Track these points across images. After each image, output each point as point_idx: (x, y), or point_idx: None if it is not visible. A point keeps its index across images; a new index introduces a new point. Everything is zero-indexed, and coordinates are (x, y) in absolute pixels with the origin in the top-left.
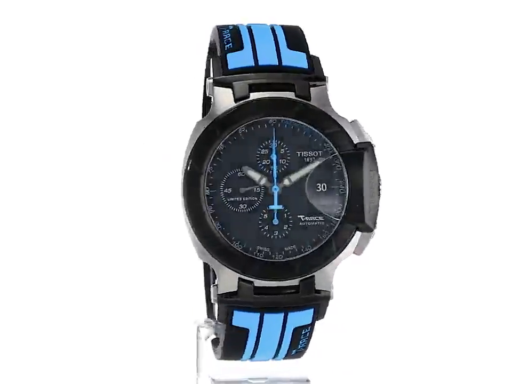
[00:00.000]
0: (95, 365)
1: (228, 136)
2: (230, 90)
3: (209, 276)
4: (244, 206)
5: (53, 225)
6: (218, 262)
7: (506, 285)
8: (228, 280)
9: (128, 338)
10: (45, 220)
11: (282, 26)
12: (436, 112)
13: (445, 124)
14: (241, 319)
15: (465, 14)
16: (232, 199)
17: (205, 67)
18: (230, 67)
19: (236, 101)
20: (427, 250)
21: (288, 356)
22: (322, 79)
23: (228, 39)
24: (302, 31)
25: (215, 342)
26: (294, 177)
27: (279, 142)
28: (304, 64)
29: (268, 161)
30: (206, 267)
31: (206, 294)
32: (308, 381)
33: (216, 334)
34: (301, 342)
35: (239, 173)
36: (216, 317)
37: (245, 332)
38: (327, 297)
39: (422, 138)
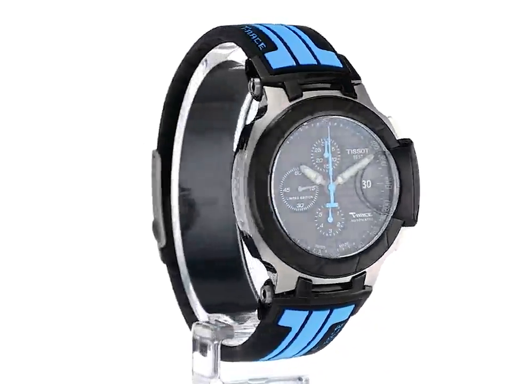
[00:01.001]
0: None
1: (287, 136)
2: (282, 90)
3: (179, 281)
4: (301, 205)
5: (48, 224)
6: (281, 261)
7: None
8: (288, 279)
9: (123, 343)
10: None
11: (296, 26)
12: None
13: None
14: (289, 318)
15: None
16: (290, 198)
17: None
18: (274, 67)
19: (290, 100)
20: (431, 249)
21: (308, 352)
22: (359, 77)
23: (257, 38)
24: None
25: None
26: (346, 174)
27: (331, 140)
28: (338, 63)
29: (321, 160)
30: (174, 271)
31: (178, 300)
32: (306, 380)
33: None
34: (328, 339)
35: (295, 172)
36: (261, 318)
37: (287, 330)
38: (369, 292)
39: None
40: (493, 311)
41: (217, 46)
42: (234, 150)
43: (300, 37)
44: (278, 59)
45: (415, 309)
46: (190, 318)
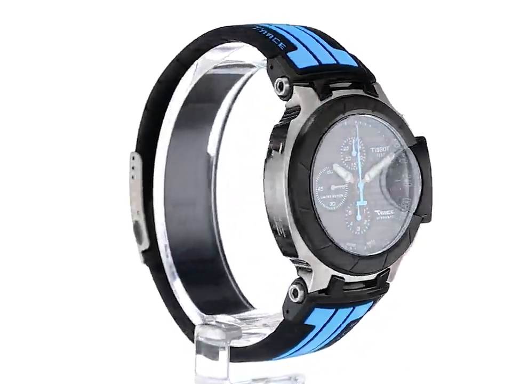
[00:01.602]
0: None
1: (322, 135)
2: (311, 89)
3: (166, 283)
4: (334, 203)
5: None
6: (317, 259)
7: None
8: (322, 277)
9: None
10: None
11: (302, 26)
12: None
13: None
14: (316, 316)
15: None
16: (324, 196)
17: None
18: (299, 66)
19: (321, 100)
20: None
21: (319, 349)
22: (374, 76)
23: (275, 38)
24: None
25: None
26: (373, 173)
27: (358, 138)
28: (354, 62)
29: (349, 158)
30: (159, 274)
31: (166, 302)
32: (303, 379)
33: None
34: (342, 335)
35: (328, 171)
36: (288, 317)
37: (310, 329)
38: (387, 289)
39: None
40: (490, 309)
41: (214, 48)
42: (267, 151)
43: (311, 36)
44: (301, 59)
45: (409, 306)
46: (181, 319)
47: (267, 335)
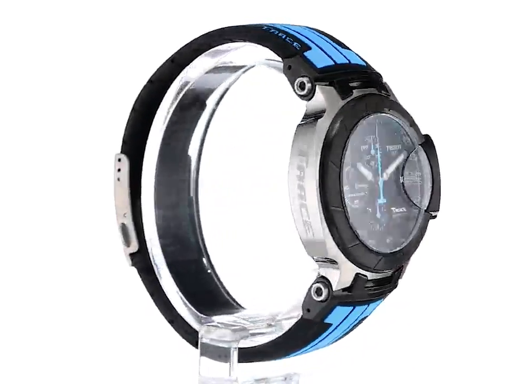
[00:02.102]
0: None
1: (348, 133)
2: (333, 88)
3: (157, 285)
4: (357, 201)
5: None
6: (345, 258)
7: None
8: (347, 275)
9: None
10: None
11: (305, 26)
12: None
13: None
14: (335, 314)
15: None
16: (350, 195)
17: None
18: (318, 66)
19: (342, 99)
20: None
21: (327, 345)
22: (381, 75)
23: (288, 38)
24: None
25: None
26: (389, 170)
27: (376, 137)
28: (362, 62)
29: (368, 157)
30: (150, 276)
31: (157, 302)
32: (298, 376)
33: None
34: (349, 332)
35: (351, 170)
36: (309, 316)
37: (327, 326)
38: (396, 287)
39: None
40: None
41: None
42: (290, 151)
43: (320, 36)
44: (317, 58)
45: (408, 305)
46: (176, 320)
47: (279, 335)
